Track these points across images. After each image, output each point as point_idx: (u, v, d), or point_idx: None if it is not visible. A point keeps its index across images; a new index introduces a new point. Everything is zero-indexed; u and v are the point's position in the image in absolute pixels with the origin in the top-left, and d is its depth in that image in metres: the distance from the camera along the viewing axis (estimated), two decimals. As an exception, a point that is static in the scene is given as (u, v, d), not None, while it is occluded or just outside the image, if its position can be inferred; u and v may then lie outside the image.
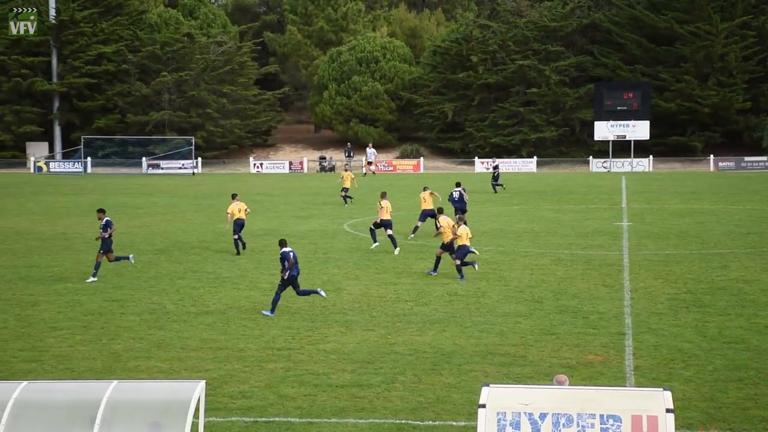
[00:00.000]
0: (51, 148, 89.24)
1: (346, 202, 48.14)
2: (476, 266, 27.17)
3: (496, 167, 60.02)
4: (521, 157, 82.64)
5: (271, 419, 15.03)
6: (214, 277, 27.31)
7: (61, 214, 43.67)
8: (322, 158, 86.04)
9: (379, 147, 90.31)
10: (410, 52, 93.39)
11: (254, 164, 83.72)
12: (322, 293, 22.88)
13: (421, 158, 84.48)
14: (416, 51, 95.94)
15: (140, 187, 60.86)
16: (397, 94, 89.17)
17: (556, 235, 35.85)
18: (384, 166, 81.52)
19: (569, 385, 11.79)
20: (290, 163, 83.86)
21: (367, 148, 78.79)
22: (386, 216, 32.24)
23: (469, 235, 27.27)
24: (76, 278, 26.85)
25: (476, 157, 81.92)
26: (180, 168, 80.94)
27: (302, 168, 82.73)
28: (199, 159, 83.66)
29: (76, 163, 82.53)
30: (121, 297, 24.23)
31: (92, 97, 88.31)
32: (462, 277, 26.59)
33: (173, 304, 23.42)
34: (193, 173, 79.16)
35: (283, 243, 22.85)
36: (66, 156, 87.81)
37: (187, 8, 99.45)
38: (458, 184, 37.88)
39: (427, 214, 35.05)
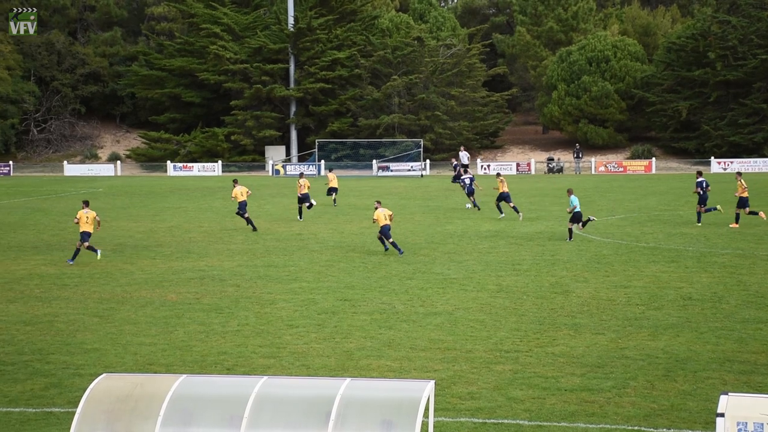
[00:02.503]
0: (288, 152, 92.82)
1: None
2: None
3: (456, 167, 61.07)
4: (763, 156, 78.87)
5: (500, 421, 15.01)
6: (442, 278, 27.55)
7: (296, 216, 45.28)
8: (550, 159, 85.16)
9: (609, 148, 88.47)
10: (642, 49, 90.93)
11: (481, 166, 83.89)
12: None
13: (653, 159, 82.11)
14: (649, 49, 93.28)
15: (371, 189, 62.27)
16: (629, 93, 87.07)
17: (800, 238, 33.94)
18: (614, 167, 79.77)
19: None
20: (517, 165, 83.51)
21: (460, 151, 77.56)
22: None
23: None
24: (311, 278, 27.78)
25: (712, 157, 78.79)
26: (409, 170, 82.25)
27: (530, 169, 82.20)
28: (428, 161, 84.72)
29: (311, 166, 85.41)
30: (352, 297, 24.85)
31: (326, 102, 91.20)
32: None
33: (402, 305, 23.80)
34: (422, 175, 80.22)
35: None
36: (301, 159, 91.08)
37: (418, 12, 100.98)
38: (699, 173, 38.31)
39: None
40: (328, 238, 36.71)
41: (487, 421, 15.01)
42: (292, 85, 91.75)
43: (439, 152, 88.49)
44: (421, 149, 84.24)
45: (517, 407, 15.63)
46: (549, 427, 14.69)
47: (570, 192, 35.73)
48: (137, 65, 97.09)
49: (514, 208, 42.49)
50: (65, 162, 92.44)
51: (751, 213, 38.17)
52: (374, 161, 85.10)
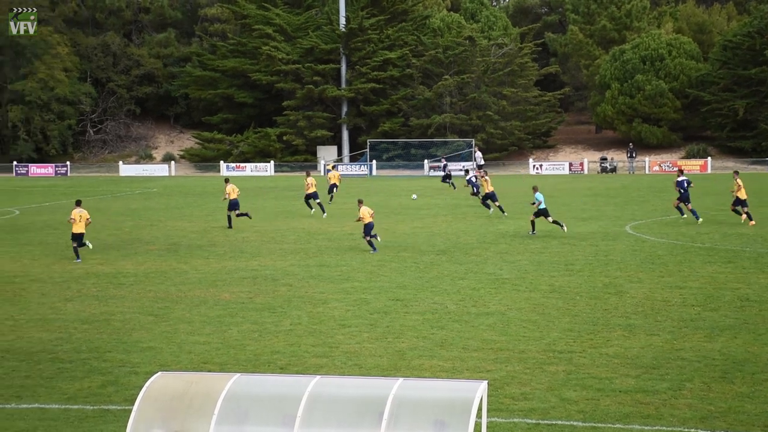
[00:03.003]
0: (339, 152, 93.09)
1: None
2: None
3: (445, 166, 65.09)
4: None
5: (554, 422, 14.91)
6: (494, 278, 27.45)
7: (348, 216, 45.41)
8: (603, 159, 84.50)
9: (663, 147, 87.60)
10: (698, 48, 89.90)
11: (533, 165, 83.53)
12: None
13: (709, 158, 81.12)
14: (704, 47, 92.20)
15: (422, 189, 62.22)
16: (683, 92, 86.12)
17: None
18: (668, 166, 78.94)
19: None
20: (570, 164, 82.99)
21: (475, 151, 77.80)
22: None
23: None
24: (363, 277, 27.83)
25: (769, 156, 77.77)
26: (460, 170, 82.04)
27: (582, 169, 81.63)
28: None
29: (362, 166, 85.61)
30: (404, 296, 24.85)
31: (378, 102, 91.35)
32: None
33: (454, 305, 23.75)
34: (476, 176, 79.87)
35: None
36: (353, 159, 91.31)
37: (469, 12, 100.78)
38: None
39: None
40: (379, 238, 36.73)
41: (540, 422, 14.93)
42: (343, 86, 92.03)
43: (491, 152, 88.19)
44: (473, 149, 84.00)
45: (571, 408, 15.52)
46: (603, 428, 14.57)
47: (535, 189, 36.89)
48: (191, 66, 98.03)
49: (499, 207, 43.85)
50: (120, 162, 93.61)
51: (734, 211, 38.93)
52: (425, 161, 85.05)
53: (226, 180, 42.72)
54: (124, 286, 26.82)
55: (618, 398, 15.94)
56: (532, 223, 36.74)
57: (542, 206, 36.18)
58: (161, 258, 32.12)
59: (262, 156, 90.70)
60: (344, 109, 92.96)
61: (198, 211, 49.13)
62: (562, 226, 36.48)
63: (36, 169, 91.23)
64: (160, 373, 11.87)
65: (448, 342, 19.93)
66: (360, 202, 34.43)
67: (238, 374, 11.67)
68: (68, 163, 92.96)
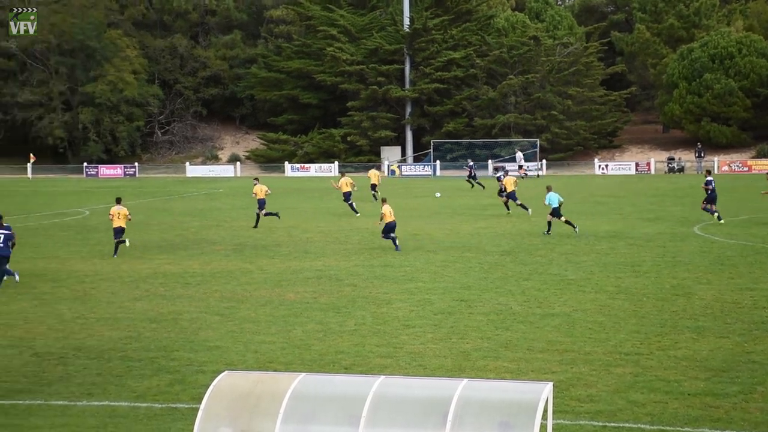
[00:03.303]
0: (403, 152, 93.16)
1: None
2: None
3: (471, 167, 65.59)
4: None
5: (621, 425, 14.75)
6: (559, 279, 27.24)
7: (411, 216, 45.45)
8: (671, 159, 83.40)
9: (733, 147, 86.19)
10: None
11: (599, 165, 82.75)
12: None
13: (780, 158, 79.67)
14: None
15: (486, 190, 61.98)
16: (754, 90, 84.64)
17: None
18: (738, 166, 77.65)
19: None
20: (636, 164, 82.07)
21: (517, 152, 77.59)
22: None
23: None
24: (427, 278, 27.81)
25: (843, 156, 76.06)
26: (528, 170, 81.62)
27: (649, 169, 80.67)
28: (544, 161, 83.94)
29: (426, 166, 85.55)
30: (468, 297, 24.78)
31: (442, 102, 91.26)
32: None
33: (519, 306, 23.62)
34: (538, 175, 79.50)
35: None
36: (417, 159, 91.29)
37: (534, 11, 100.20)
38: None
39: None
40: (443, 239, 36.71)
41: (607, 424, 14.77)
42: (407, 86, 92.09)
43: (556, 152, 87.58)
44: (537, 149, 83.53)
45: (639, 411, 15.33)
46: (671, 432, 14.38)
47: (549, 189, 37.29)
48: (256, 67, 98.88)
49: (506, 204, 45.22)
50: (187, 163, 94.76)
51: None
52: (489, 161, 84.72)
53: (256, 179, 43.71)
54: (191, 286, 27.14)
55: (687, 401, 15.71)
56: (549, 223, 37.05)
57: (554, 205, 36.55)
58: (227, 258, 32.44)
59: (326, 157, 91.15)
60: (408, 109, 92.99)
61: (263, 212, 49.46)
62: (574, 227, 36.56)
63: (105, 170, 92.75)
64: (226, 372, 11.99)
65: (512, 343, 19.82)
66: (384, 200, 34.98)
67: (304, 374, 11.74)
68: (136, 164, 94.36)
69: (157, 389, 16.99)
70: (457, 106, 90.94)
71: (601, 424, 14.80)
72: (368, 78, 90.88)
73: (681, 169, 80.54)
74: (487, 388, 11.80)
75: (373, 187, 54.33)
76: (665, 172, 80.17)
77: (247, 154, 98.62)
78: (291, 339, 20.52)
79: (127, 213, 33.56)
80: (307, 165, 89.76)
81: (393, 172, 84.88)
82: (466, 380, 11.34)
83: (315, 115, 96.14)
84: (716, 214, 39.65)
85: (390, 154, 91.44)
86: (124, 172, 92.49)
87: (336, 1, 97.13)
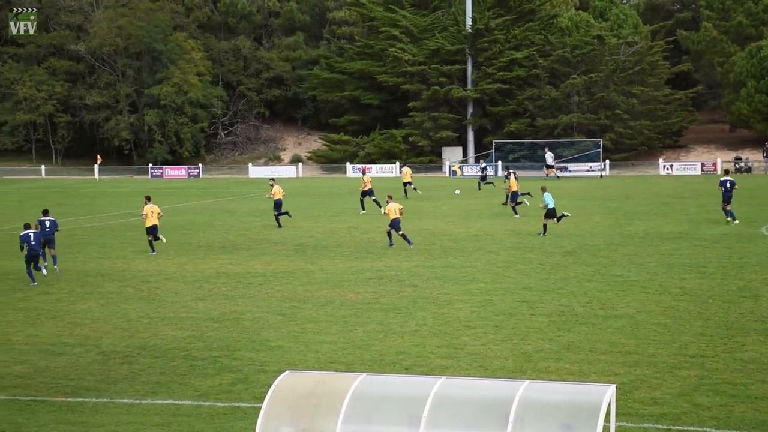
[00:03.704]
0: (464, 153, 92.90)
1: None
2: None
3: (484, 168, 66.06)
4: None
5: (686, 428, 14.55)
6: (622, 280, 26.96)
7: (473, 216, 45.32)
8: (738, 159, 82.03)
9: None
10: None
11: (663, 165, 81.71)
12: None
13: None
14: None
15: (549, 190, 61.50)
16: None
17: None
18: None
19: None
20: (702, 164, 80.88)
21: (546, 152, 77.85)
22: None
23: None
24: (488, 279, 27.70)
25: None
26: (588, 170, 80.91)
27: (715, 169, 79.42)
28: (607, 161, 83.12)
29: (489, 167, 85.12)
30: (530, 298, 24.64)
31: (504, 102, 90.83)
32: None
33: (581, 307, 23.43)
34: (601, 175, 78.75)
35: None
36: (478, 160, 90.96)
37: (598, 10, 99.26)
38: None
39: None
40: (505, 239, 36.55)
41: (671, 427, 14.59)
42: (469, 86, 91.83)
43: (619, 152, 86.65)
44: (601, 149, 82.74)
45: (704, 414, 15.12)
46: (737, 436, 14.15)
47: (543, 189, 38.43)
48: (318, 69, 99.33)
49: (513, 208, 45.45)
50: (250, 164, 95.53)
51: None
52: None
53: (272, 180, 45.17)
54: (253, 286, 27.36)
55: (754, 405, 15.45)
56: (544, 226, 37.47)
57: (550, 206, 37.36)
58: (289, 258, 32.65)
59: (387, 157, 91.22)
60: (470, 109, 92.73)
61: (324, 212, 49.75)
62: (562, 217, 38.02)
63: (170, 171, 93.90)
64: (288, 371, 12.07)
65: (575, 345, 19.67)
66: (389, 198, 36.10)
67: (364, 374, 11.77)
68: (200, 165, 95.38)
69: (219, 388, 17.16)
70: (519, 106, 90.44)
71: (665, 427, 14.63)
72: (430, 78, 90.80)
73: (748, 169, 79.19)
74: (548, 390, 11.73)
75: (408, 184, 56.56)
76: (732, 172, 78.88)
77: (308, 154, 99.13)
78: (352, 339, 20.59)
79: (159, 211, 35.29)
80: (368, 165, 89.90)
81: (454, 172, 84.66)
82: (527, 381, 11.29)
83: (376, 115, 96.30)
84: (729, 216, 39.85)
85: (451, 155, 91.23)
86: (188, 173, 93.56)
87: (398, 1, 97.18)
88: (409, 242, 34.13)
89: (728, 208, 39.77)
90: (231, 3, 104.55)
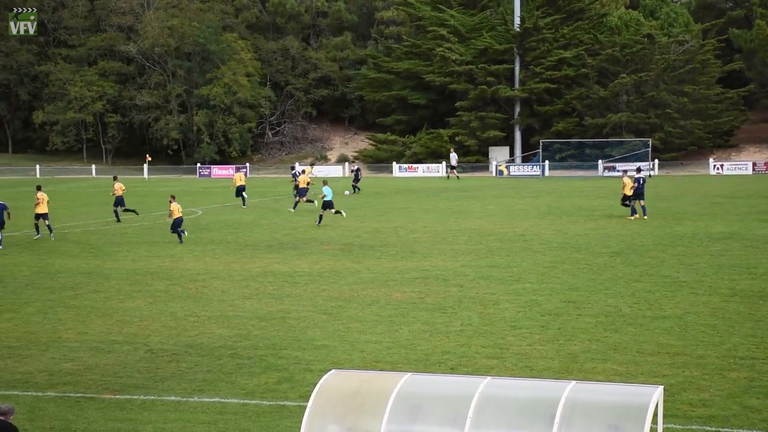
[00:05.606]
0: (511, 152, 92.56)
1: None
2: None
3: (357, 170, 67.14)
4: None
5: (735, 431, 14.37)
6: (671, 281, 26.69)
7: (519, 216, 45.13)
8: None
9: None
10: None
11: (714, 165, 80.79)
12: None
13: None
14: None
15: (596, 190, 61.13)
16: None
17: None
18: None
19: None
20: (754, 164, 79.86)
21: (451, 152, 79.91)
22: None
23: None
24: (534, 279, 27.57)
25: None
26: (634, 170, 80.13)
27: (767, 169, 78.36)
28: (656, 161, 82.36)
29: (535, 167, 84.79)
30: (576, 299, 24.48)
31: (551, 102, 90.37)
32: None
33: (629, 308, 23.22)
34: (650, 175, 78.05)
35: None
36: (525, 159, 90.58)
37: (648, 9, 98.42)
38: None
39: None
40: (551, 239, 36.34)
41: (720, 429, 14.42)
42: (516, 86, 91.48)
43: (669, 151, 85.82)
44: (650, 149, 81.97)
45: (754, 417, 14.91)
46: (788, 440, 13.95)
47: (325, 183, 41.73)
48: (366, 68, 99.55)
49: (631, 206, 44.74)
50: (297, 164, 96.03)
51: None
52: (600, 161, 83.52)
53: (302, 171, 46.83)
54: (299, 285, 27.47)
55: (804, 408, 15.21)
56: (320, 216, 40.62)
57: (327, 198, 40.54)
58: (335, 258, 32.74)
59: (434, 157, 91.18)
60: (517, 109, 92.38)
61: (370, 212, 49.81)
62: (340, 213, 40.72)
63: (217, 171, 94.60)
64: (333, 370, 12.10)
65: (622, 345, 19.50)
66: (172, 198, 38.95)
67: (410, 374, 11.77)
68: (248, 164, 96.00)
69: (265, 387, 17.25)
70: (567, 105, 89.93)
71: (713, 429, 14.46)
72: (477, 78, 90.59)
73: (801, 169, 78.12)
74: (595, 391, 11.64)
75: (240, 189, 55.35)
76: (784, 172, 77.81)
77: (355, 154, 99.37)
78: (397, 339, 20.59)
79: (179, 206, 38.41)
80: (414, 165, 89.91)
81: (501, 172, 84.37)
82: (573, 382, 11.21)
83: (423, 115, 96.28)
84: (640, 212, 41.30)
85: (498, 154, 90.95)
86: (236, 172, 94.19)
87: (446, 1, 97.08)
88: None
89: (643, 203, 40.89)
90: (279, 3, 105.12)
